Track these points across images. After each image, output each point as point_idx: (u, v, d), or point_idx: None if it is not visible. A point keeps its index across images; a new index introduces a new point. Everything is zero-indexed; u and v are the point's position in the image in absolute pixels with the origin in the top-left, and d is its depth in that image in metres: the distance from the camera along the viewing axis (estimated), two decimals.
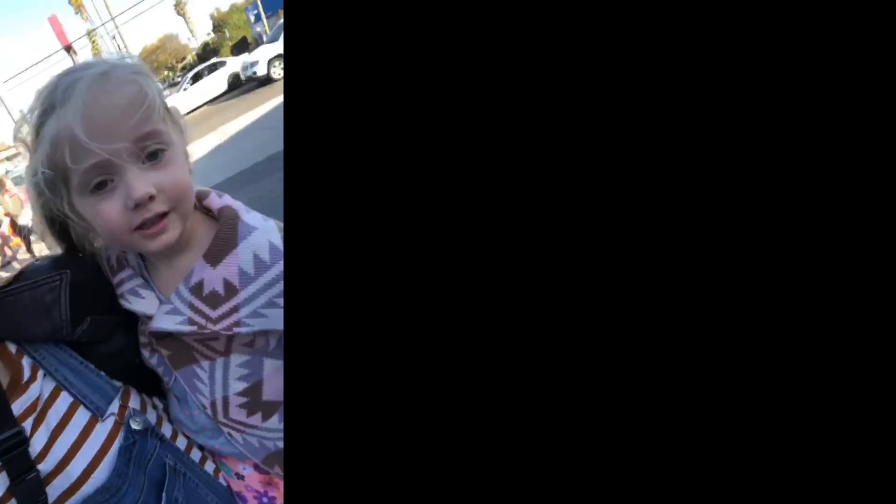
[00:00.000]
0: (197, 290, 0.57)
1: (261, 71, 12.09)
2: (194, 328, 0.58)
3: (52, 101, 0.50)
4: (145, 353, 0.65)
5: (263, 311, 0.57)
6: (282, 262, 0.58)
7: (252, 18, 33.11)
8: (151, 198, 0.51)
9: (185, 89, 15.57)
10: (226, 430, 0.64)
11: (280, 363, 0.63)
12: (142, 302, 0.61)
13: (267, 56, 12.37)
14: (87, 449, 0.65)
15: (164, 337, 0.62)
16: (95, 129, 0.49)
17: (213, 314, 0.57)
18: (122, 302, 0.64)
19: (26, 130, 0.51)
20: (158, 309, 0.60)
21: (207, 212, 0.61)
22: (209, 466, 0.74)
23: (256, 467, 0.69)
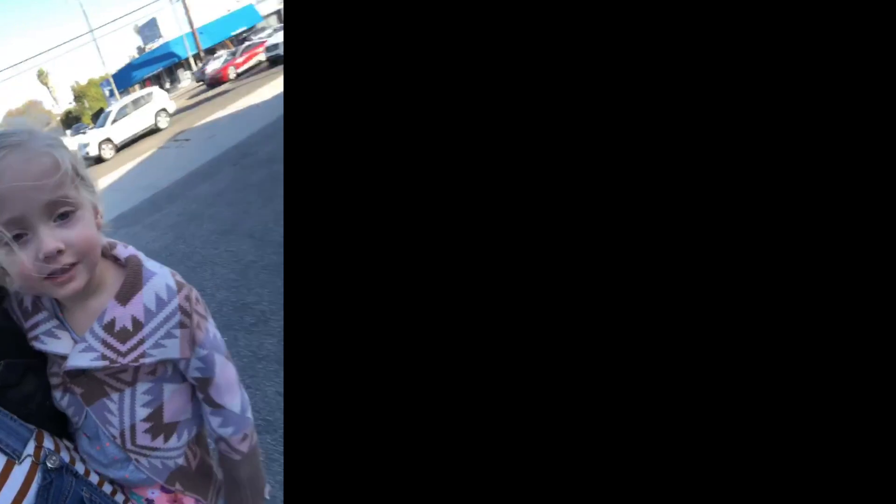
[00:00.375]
0: (109, 327, 0.66)
1: (92, 152, 13.17)
2: (107, 363, 0.66)
3: None
4: (56, 394, 0.70)
5: (163, 342, 0.67)
6: (176, 300, 0.68)
7: (107, 93, 35.89)
8: (60, 251, 0.59)
9: None
10: (133, 456, 0.72)
11: (175, 385, 0.72)
12: (58, 343, 0.67)
13: (97, 139, 13.52)
14: (6, 493, 0.65)
15: (78, 375, 0.68)
16: (13, 192, 0.58)
17: (123, 348, 0.66)
18: (37, 344, 0.68)
19: None
20: (73, 348, 0.66)
21: (115, 260, 0.70)
22: (119, 498, 0.76)
23: (162, 489, 0.76)
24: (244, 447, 0.77)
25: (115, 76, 33.23)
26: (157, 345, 0.67)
